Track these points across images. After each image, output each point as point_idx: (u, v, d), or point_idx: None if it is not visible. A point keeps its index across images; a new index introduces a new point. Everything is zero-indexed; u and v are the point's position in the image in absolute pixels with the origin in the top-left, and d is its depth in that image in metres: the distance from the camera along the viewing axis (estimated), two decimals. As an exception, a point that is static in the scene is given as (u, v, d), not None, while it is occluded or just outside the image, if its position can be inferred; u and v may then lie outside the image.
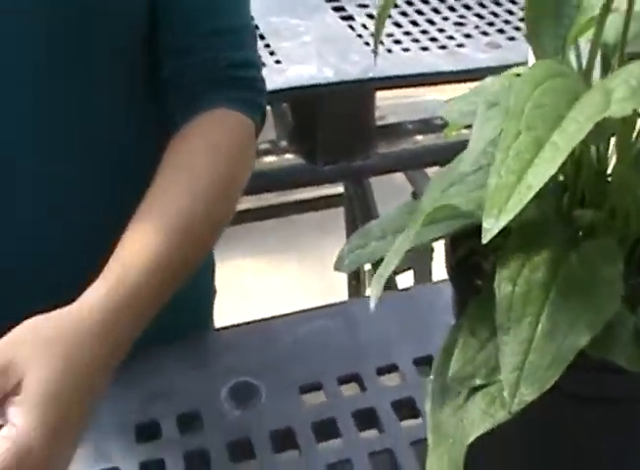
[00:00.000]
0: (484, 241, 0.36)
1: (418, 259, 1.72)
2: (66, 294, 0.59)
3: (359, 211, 1.64)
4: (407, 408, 0.71)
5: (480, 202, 0.42)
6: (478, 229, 0.37)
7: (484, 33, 1.37)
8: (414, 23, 1.42)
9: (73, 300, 0.58)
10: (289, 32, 1.34)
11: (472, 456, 0.42)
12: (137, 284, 0.60)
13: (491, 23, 1.41)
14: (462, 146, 0.45)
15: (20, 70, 0.68)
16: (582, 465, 0.48)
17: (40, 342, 0.54)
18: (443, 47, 1.33)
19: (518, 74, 0.49)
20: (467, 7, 1.47)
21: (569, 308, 0.40)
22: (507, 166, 0.37)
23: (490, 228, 0.36)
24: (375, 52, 0.55)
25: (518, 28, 1.38)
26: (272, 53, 1.28)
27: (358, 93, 1.30)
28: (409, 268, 1.73)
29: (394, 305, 0.82)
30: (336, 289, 1.80)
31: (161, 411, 0.70)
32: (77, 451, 0.56)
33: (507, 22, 1.41)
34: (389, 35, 1.36)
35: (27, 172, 0.71)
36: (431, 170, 1.54)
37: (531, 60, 0.49)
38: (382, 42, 1.32)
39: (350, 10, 1.44)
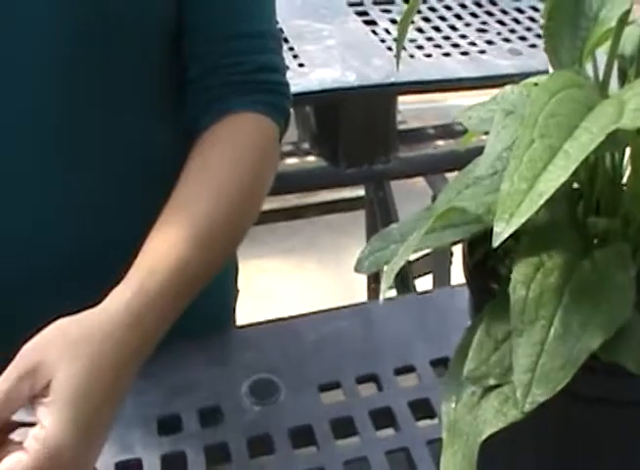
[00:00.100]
0: (495, 244, 0.37)
1: (438, 264, 1.72)
2: (89, 294, 0.59)
3: (379, 214, 1.64)
4: (423, 409, 0.71)
5: (491, 206, 0.43)
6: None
7: (506, 40, 1.37)
8: (436, 29, 1.42)
9: (97, 301, 0.59)
10: (312, 36, 1.34)
11: (484, 454, 0.43)
12: (160, 288, 0.61)
13: (513, 30, 1.41)
14: (481, 152, 0.46)
15: (45, 72, 0.69)
16: (591, 466, 0.48)
17: (68, 343, 0.55)
18: (465, 53, 1.33)
19: (536, 83, 0.49)
20: (489, 13, 1.47)
21: (581, 313, 0.41)
22: (520, 173, 0.37)
23: (501, 232, 0.37)
24: (397, 57, 0.55)
25: (539, 36, 1.38)
26: (296, 56, 1.28)
27: (380, 97, 1.31)
28: (429, 272, 1.73)
29: (413, 307, 0.83)
30: (355, 290, 1.80)
31: (183, 405, 0.71)
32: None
33: (529, 29, 1.41)
34: (412, 41, 1.36)
35: (51, 173, 0.72)
36: (451, 175, 1.55)
37: (552, 68, 0.49)
38: (404, 47, 1.32)
39: (374, 15, 1.44)
